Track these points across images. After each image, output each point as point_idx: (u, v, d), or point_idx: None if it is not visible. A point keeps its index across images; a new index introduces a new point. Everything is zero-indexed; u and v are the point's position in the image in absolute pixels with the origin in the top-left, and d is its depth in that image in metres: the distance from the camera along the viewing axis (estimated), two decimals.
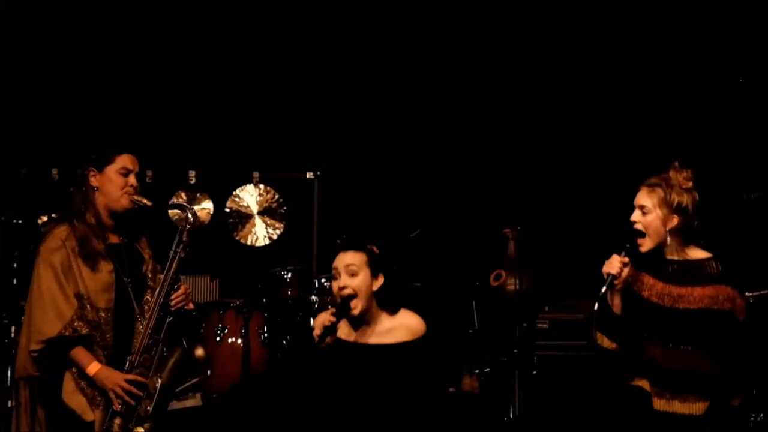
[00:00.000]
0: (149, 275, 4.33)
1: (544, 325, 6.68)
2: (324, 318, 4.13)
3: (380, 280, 4.19)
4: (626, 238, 4.06)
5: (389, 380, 4.10)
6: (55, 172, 7.15)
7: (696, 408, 3.97)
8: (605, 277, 3.98)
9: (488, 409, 6.54)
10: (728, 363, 3.94)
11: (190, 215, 4.28)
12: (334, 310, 4.13)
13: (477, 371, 6.61)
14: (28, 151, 7.16)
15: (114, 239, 4.26)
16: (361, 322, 4.18)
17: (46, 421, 4.18)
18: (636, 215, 4.06)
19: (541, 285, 6.89)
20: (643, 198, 4.06)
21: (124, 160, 4.24)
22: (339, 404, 4.10)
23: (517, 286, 6.79)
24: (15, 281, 5.76)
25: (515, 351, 6.59)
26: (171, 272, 4.22)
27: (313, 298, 6.69)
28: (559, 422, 6.39)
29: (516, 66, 7.47)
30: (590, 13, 7.25)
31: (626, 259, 3.98)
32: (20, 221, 5.85)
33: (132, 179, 4.24)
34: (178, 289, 4.26)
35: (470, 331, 7.01)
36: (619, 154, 7.25)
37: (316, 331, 4.10)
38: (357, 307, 4.13)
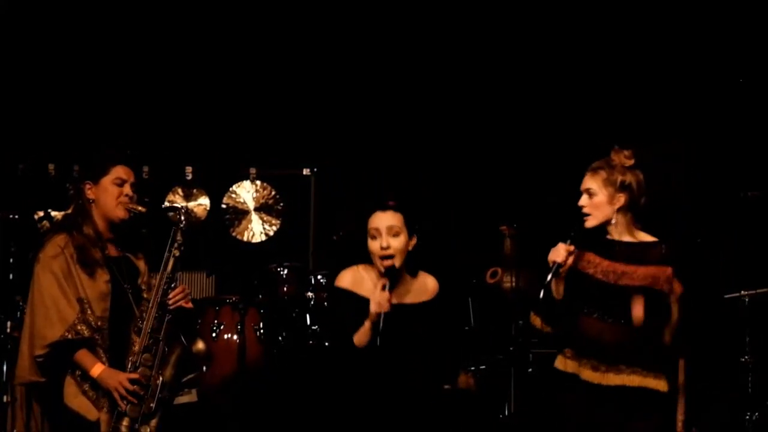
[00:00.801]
0: (143, 287, 4.35)
1: None
2: (382, 298, 4.16)
3: (414, 241, 4.31)
4: (572, 226, 4.13)
5: (409, 338, 4.24)
6: (51, 168, 7.15)
7: (630, 380, 4.06)
8: (550, 264, 4.04)
9: (484, 406, 6.53)
10: (656, 342, 4.08)
11: (182, 216, 4.31)
12: (385, 286, 4.19)
13: (473, 369, 6.60)
14: (26, 148, 7.15)
15: (112, 251, 4.30)
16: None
17: (45, 423, 4.18)
18: (583, 200, 4.12)
19: (537, 283, 6.88)
20: (588, 182, 4.13)
21: (119, 171, 4.29)
22: (364, 370, 4.20)
23: (514, 284, 6.79)
24: (11, 276, 5.75)
25: (511, 349, 6.59)
26: (167, 271, 4.24)
27: (309, 294, 6.68)
28: (554, 420, 6.38)
29: (515, 65, 7.47)
30: (590, 12, 7.24)
31: (572, 248, 4.04)
32: (17, 217, 5.85)
33: (127, 189, 4.29)
34: (176, 288, 4.27)
35: (466, 328, 7.01)
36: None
37: (379, 309, 4.13)
38: (392, 263, 4.23)
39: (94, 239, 4.23)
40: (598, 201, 4.10)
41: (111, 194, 4.26)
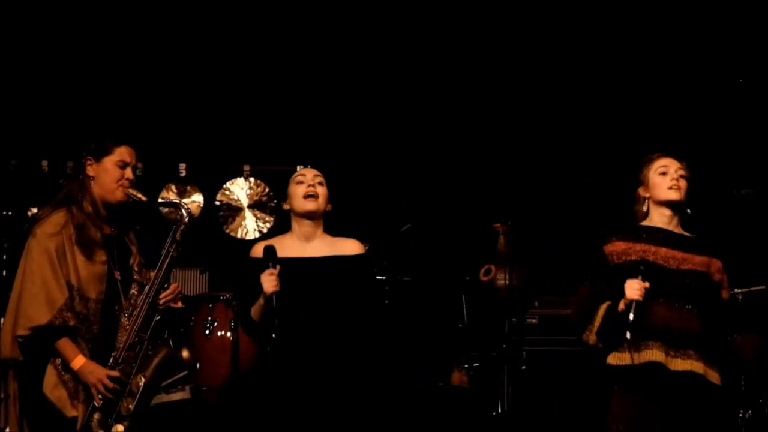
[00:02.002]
0: (135, 269, 4.29)
1: (534, 321, 6.68)
2: (269, 277, 4.13)
3: (329, 206, 4.40)
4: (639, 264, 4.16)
5: (331, 288, 4.24)
6: (45, 163, 7.14)
7: (697, 366, 4.12)
8: (627, 302, 4.08)
9: (477, 404, 6.54)
10: (716, 331, 4.19)
11: (184, 212, 4.25)
12: (270, 264, 4.17)
13: (466, 366, 6.61)
14: (19, 143, 7.14)
15: (107, 230, 4.23)
16: (305, 238, 4.33)
17: (22, 413, 4.13)
18: (680, 174, 4.31)
19: (530, 280, 6.91)
20: (678, 164, 4.33)
21: (122, 153, 4.24)
22: (288, 317, 4.15)
23: (507, 281, 6.79)
24: (4, 273, 5.73)
25: (504, 346, 6.60)
26: (163, 270, 4.18)
27: None
28: (548, 417, 6.40)
29: (511, 64, 7.46)
30: (586, 11, 7.24)
31: (647, 284, 4.08)
32: (10, 213, 5.83)
33: (128, 172, 4.23)
34: (168, 288, 4.23)
35: (459, 325, 7.01)
36: (612, 152, 7.26)
37: (268, 288, 4.11)
38: (314, 205, 4.31)
39: (93, 217, 4.17)
40: (685, 184, 4.31)
41: (111, 175, 4.20)
